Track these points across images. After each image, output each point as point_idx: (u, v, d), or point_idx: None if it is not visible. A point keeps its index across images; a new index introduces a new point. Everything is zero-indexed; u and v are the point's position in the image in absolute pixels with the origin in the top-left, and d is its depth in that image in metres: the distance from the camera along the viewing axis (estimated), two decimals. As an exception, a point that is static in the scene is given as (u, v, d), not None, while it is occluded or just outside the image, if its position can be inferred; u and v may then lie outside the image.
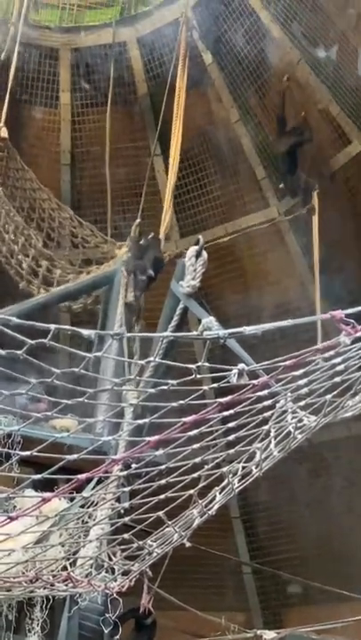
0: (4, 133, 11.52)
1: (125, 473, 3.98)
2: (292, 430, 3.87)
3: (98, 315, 10.00)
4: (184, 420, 3.33)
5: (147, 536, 4.68)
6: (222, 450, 3.91)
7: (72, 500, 5.30)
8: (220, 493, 4.36)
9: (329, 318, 3.22)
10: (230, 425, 3.60)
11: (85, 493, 4.25)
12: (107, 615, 7.17)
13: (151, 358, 7.04)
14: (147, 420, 3.47)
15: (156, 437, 3.38)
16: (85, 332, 3.13)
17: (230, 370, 3.32)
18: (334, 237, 11.20)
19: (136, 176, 12.25)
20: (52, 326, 2.97)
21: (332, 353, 3.28)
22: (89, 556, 5.71)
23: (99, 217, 12.22)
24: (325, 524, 11.39)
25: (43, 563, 5.07)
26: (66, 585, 5.15)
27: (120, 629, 7.29)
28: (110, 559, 5.40)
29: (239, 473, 4.19)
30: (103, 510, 5.36)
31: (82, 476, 3.56)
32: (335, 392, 3.61)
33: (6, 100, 11.58)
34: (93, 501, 4.88)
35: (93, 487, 4.83)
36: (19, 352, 2.95)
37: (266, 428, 3.73)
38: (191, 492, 4.08)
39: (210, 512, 4.43)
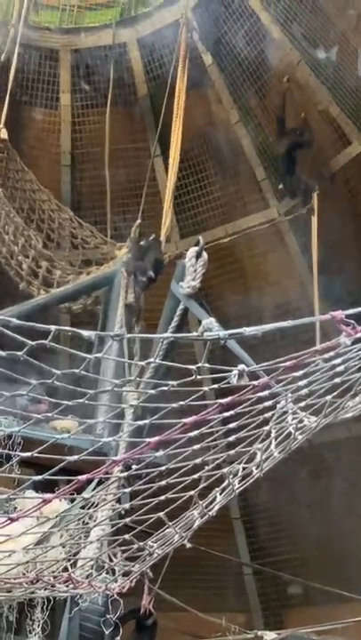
0: (4, 134, 11.53)
1: (126, 474, 3.99)
2: (293, 431, 3.87)
3: (98, 315, 10.00)
4: (184, 420, 3.33)
5: (147, 537, 4.68)
6: (223, 451, 3.91)
7: (73, 501, 5.30)
8: (220, 494, 4.36)
9: (329, 319, 3.22)
10: (231, 426, 3.60)
11: (86, 494, 4.26)
12: (107, 616, 7.17)
13: (151, 359, 7.04)
14: (147, 421, 3.46)
15: (156, 438, 3.38)
16: (86, 333, 3.13)
17: (231, 371, 3.32)
18: (334, 238, 11.20)
19: (136, 177, 12.26)
20: (53, 327, 2.98)
21: (332, 354, 3.28)
22: (90, 557, 5.71)
23: (99, 218, 12.22)
24: (326, 525, 11.38)
25: (43, 564, 5.07)
26: (66, 586, 5.15)
27: (121, 630, 7.29)
28: (111, 560, 5.40)
29: (240, 474, 4.19)
30: (104, 511, 5.37)
31: (82, 478, 3.56)
32: (335, 393, 3.61)
33: (6, 102, 11.58)
34: (94, 502, 4.88)
35: (94, 488, 4.82)
36: (19, 353, 2.95)
37: (266, 428, 3.74)
38: (192, 492, 4.07)
39: (210, 513, 4.43)
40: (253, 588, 12.51)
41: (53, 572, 5.22)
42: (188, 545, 4.82)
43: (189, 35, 11.38)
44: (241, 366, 3.32)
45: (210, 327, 7.70)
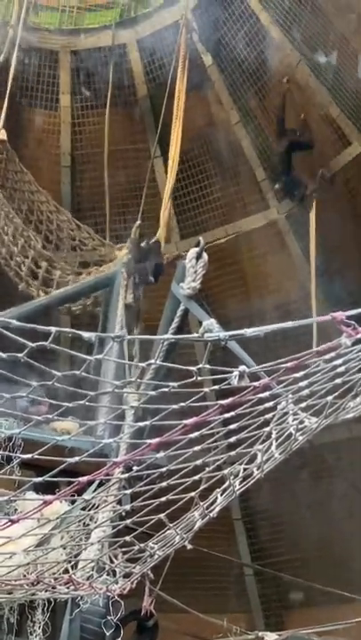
0: (3, 136, 11.51)
1: (127, 475, 3.99)
2: (294, 432, 3.86)
3: (98, 317, 9.99)
4: (185, 422, 3.32)
5: (148, 538, 4.68)
6: (223, 452, 3.91)
7: (73, 502, 5.28)
8: (221, 495, 4.36)
9: (330, 320, 3.21)
10: (231, 427, 3.60)
11: (87, 496, 4.26)
12: (108, 618, 7.17)
13: (152, 360, 7.03)
14: (148, 423, 3.46)
15: (157, 440, 3.37)
16: (86, 334, 3.13)
17: (231, 372, 3.32)
18: (334, 239, 11.20)
19: (136, 178, 12.26)
20: (53, 329, 2.97)
21: (333, 354, 3.28)
22: (90, 559, 5.71)
23: (99, 219, 12.23)
24: (327, 526, 11.38)
25: (44, 565, 5.07)
26: (67, 587, 5.14)
27: (122, 632, 7.29)
28: (112, 561, 5.40)
29: (240, 475, 4.19)
30: (104, 513, 5.36)
31: (83, 479, 3.55)
32: (336, 393, 3.61)
33: (5, 103, 11.57)
34: (95, 504, 4.88)
35: (95, 490, 4.82)
36: (19, 355, 2.94)
37: (267, 429, 3.73)
38: (192, 494, 4.07)
39: (211, 514, 4.42)
40: (254, 589, 12.50)
41: (54, 573, 5.22)
42: (189, 546, 4.81)
43: (189, 36, 11.38)
44: (242, 367, 3.32)
45: (210, 328, 7.69)
